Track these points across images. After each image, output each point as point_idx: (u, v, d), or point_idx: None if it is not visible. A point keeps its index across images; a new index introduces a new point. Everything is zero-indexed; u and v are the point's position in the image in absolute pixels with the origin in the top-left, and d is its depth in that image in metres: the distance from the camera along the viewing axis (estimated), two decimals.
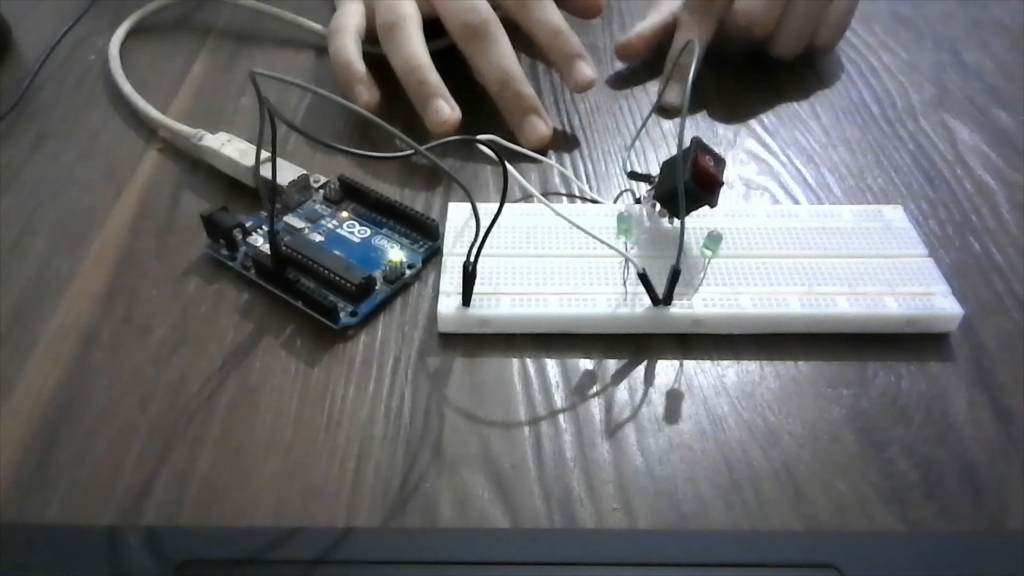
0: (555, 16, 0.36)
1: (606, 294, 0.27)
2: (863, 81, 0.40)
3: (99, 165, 0.35)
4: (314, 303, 0.27)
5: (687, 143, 0.28)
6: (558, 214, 0.27)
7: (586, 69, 0.36)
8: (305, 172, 0.32)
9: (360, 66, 0.36)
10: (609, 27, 0.44)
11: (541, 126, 0.35)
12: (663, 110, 0.38)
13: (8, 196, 0.33)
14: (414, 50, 0.35)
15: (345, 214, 0.31)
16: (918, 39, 0.43)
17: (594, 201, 0.33)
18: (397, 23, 0.36)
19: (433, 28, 0.37)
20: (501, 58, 0.35)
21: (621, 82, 0.40)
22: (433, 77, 0.35)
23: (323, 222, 0.31)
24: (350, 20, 0.38)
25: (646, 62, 0.41)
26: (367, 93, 0.36)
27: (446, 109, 0.35)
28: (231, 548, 0.22)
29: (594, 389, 0.26)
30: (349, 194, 0.32)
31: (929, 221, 0.32)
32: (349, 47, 0.37)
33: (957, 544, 0.22)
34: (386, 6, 0.36)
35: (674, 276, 0.26)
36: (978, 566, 0.22)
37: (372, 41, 0.38)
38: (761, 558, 0.21)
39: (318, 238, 0.30)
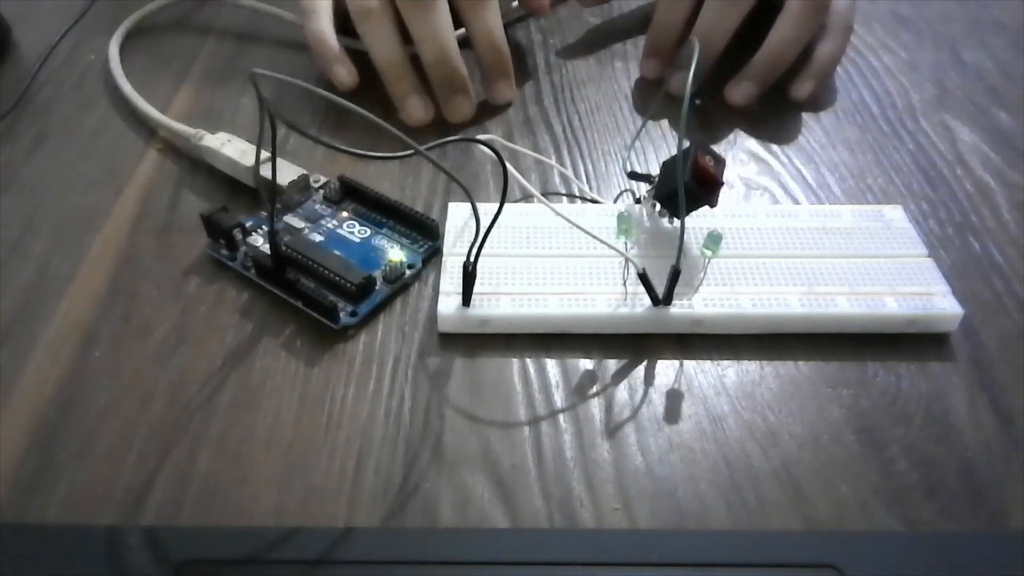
0: (493, 23, 0.36)
1: (606, 294, 0.27)
2: (863, 81, 0.40)
3: (99, 165, 0.35)
4: (314, 303, 0.27)
5: (687, 143, 0.28)
6: (558, 214, 0.27)
7: (504, 90, 0.37)
8: (305, 172, 0.32)
9: (336, 44, 0.36)
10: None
11: (467, 105, 0.36)
12: (670, 97, 0.36)
13: (8, 196, 0.33)
14: (392, 41, 0.35)
15: (345, 214, 0.31)
16: (918, 39, 0.43)
17: (594, 201, 0.33)
18: (373, 9, 0.35)
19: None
20: (438, 31, 0.35)
21: (621, 82, 0.40)
22: (410, 73, 0.35)
23: (323, 222, 0.31)
24: (322, 3, 0.37)
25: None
26: (346, 73, 0.36)
27: (421, 108, 0.36)
28: (231, 548, 0.21)
29: (594, 389, 0.26)
30: (349, 194, 0.32)
31: (929, 221, 0.32)
32: (324, 27, 0.37)
33: (957, 544, 0.22)
34: None
35: (674, 276, 0.26)
36: (978, 566, 0.22)
37: (343, 31, 0.37)
38: (761, 558, 0.21)
39: (318, 238, 0.30)
